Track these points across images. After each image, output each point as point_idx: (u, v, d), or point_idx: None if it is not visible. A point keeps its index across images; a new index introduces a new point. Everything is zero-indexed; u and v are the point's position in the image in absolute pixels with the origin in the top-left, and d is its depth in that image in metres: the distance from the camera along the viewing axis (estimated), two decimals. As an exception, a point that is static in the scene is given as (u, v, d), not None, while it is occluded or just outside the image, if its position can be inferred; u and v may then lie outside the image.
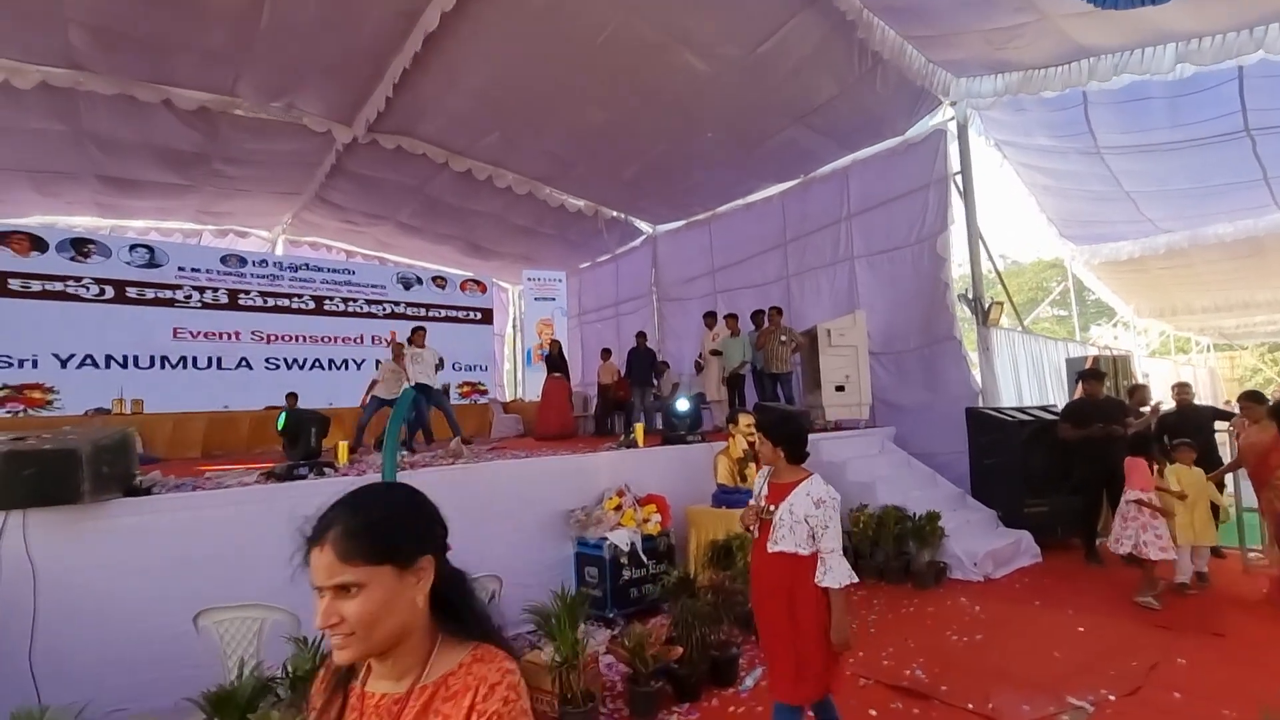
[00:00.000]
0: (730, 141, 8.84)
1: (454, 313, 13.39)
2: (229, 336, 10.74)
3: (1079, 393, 6.56)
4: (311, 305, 11.69)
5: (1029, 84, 7.05)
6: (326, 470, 4.09)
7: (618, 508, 5.09)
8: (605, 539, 4.78)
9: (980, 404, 7.39)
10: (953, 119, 7.96)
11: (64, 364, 9.40)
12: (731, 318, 8.82)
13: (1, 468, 2.90)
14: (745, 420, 5.66)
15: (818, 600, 2.40)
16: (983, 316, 7.76)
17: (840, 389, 7.95)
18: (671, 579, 3.99)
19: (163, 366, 10.11)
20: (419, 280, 13.14)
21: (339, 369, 11.79)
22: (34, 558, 2.93)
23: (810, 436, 2.67)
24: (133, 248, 10.25)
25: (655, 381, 10.04)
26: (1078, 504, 6.20)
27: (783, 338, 8.11)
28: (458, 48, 6.87)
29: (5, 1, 5.61)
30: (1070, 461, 6.25)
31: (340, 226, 12.23)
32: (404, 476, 4.17)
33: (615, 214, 11.91)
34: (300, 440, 4.01)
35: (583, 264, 14.27)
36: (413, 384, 7.67)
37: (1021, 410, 7.18)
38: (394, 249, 13.43)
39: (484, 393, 13.34)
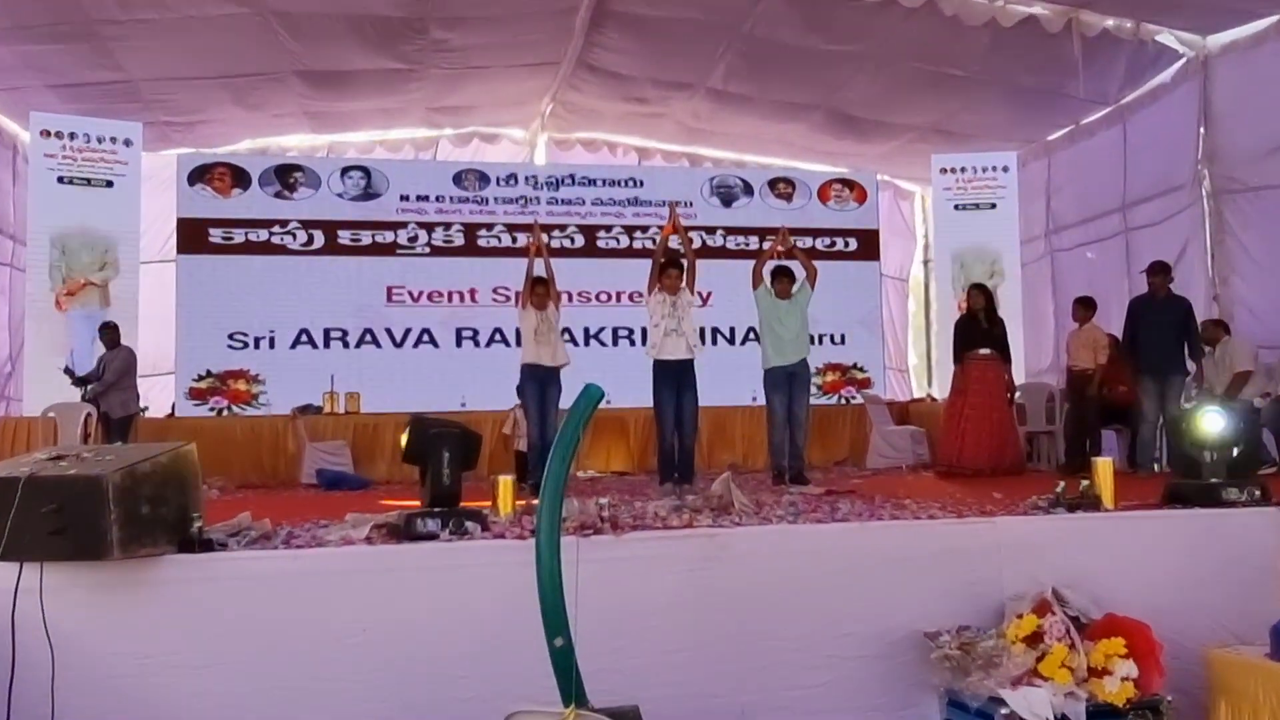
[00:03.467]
0: None
1: (808, 241, 7.63)
2: (462, 297, 7.87)
3: None
4: (580, 242, 8.11)
5: None
6: (469, 525, 2.42)
7: (1034, 637, 2.51)
8: (1002, 702, 2.36)
9: None
10: None
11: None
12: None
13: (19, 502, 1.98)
14: None
15: None
16: None
17: None
18: None
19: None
20: (747, 188, 8.56)
21: (623, 343, 7.89)
22: (52, 635, 2.06)
23: None
24: (345, 172, 7.93)
25: (1190, 367, 5.34)
26: None
27: None
28: None
29: None
30: None
31: (623, 110, 8.60)
32: (593, 549, 2.33)
33: (1110, 23, 6.09)
34: (428, 473, 2.45)
35: (1051, 133, 8.23)
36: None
37: None
38: (709, 138, 9.05)
39: (864, 384, 8.38)
